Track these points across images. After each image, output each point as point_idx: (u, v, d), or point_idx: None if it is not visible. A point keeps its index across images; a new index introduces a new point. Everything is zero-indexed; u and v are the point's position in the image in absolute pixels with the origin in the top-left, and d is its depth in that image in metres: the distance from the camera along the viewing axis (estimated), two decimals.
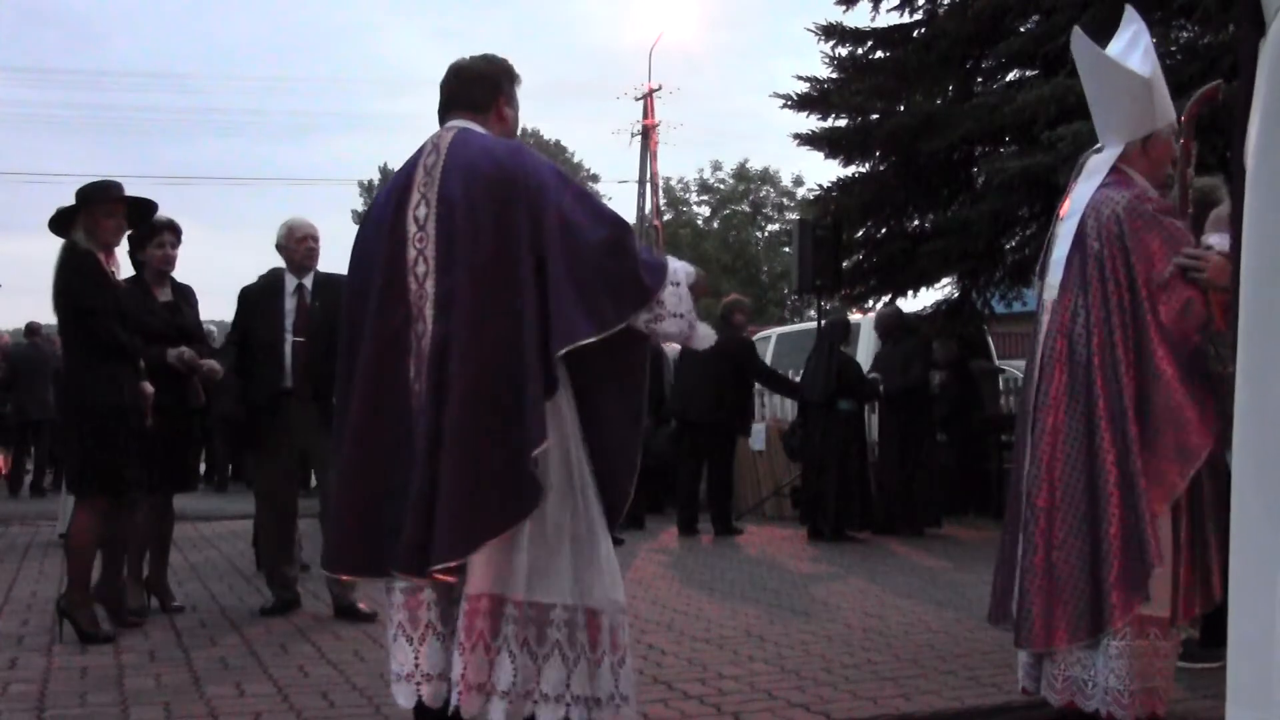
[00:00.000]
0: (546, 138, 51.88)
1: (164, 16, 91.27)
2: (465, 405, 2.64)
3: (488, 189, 2.74)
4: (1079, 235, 3.19)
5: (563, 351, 2.66)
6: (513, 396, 2.65)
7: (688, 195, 35.90)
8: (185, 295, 5.32)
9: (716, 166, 35.77)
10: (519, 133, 3.17)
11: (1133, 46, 3.27)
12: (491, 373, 2.67)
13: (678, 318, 2.78)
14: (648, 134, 27.60)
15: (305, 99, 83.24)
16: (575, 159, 52.20)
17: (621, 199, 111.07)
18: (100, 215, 4.55)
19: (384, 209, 2.89)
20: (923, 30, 10.86)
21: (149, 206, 4.85)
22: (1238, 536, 1.77)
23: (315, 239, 5.29)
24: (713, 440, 8.84)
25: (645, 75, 30.52)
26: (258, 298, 5.29)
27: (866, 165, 11.19)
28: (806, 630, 4.80)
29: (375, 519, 2.76)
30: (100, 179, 4.71)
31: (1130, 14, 3.32)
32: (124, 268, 5.14)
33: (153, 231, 5.14)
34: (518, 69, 3.09)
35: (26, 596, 5.51)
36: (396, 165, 3.00)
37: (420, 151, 2.91)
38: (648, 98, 27.91)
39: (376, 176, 50.74)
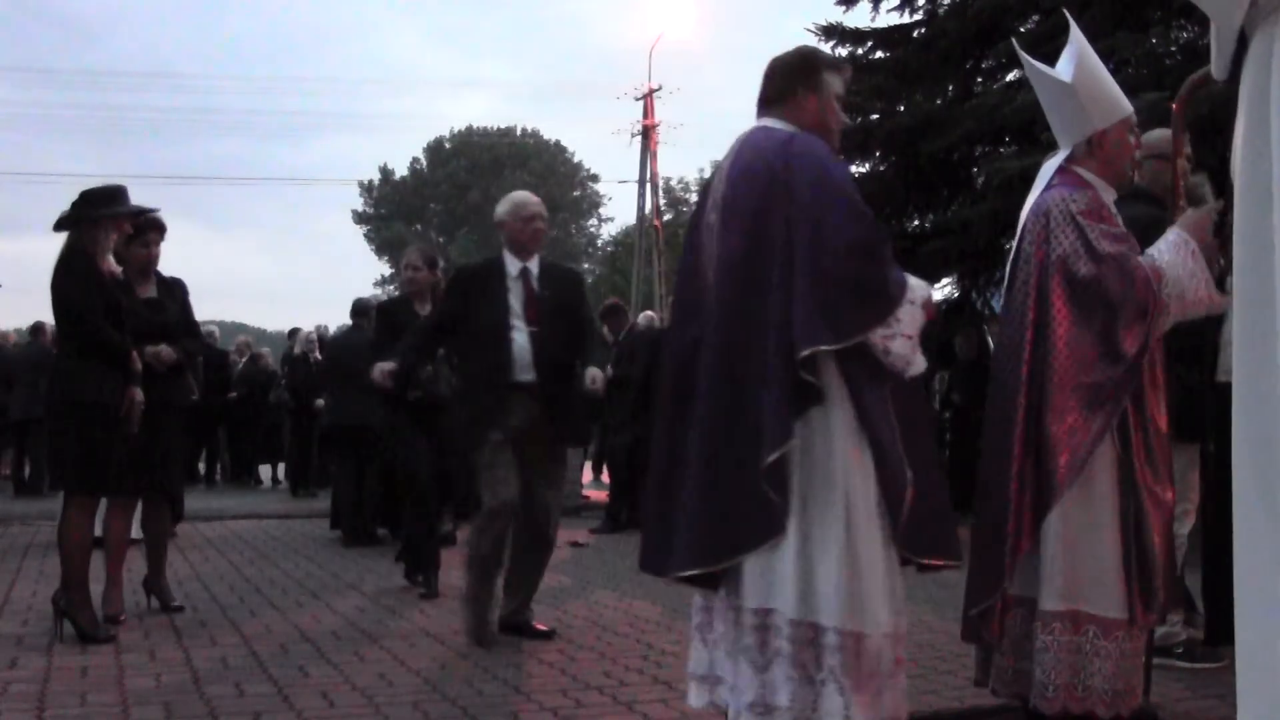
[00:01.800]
0: (546, 138, 52.04)
1: (164, 16, 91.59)
2: (706, 413, 2.66)
3: (751, 189, 2.72)
4: (1019, 240, 3.27)
5: (802, 356, 2.53)
6: (755, 406, 2.59)
7: (688, 195, 35.88)
8: (171, 289, 5.21)
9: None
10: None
11: (1068, 53, 3.31)
12: (733, 379, 2.65)
13: (907, 339, 2.62)
14: (648, 134, 27.57)
15: (305, 99, 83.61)
16: (575, 159, 52.34)
17: (621, 199, 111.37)
18: (112, 222, 4.61)
19: (695, 212, 2.96)
20: (923, 30, 10.87)
21: (146, 214, 4.93)
22: (1240, 544, 1.77)
23: (544, 219, 4.77)
24: None
25: (645, 75, 30.61)
26: (475, 280, 4.73)
27: (866, 165, 11.20)
28: None
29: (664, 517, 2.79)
30: (107, 184, 4.71)
31: (1071, 23, 3.33)
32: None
33: (140, 229, 5.05)
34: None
35: (27, 596, 5.51)
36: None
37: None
38: (648, 98, 27.88)
39: (377, 177, 51.03)
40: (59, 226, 4.60)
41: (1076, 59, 3.24)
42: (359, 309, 8.50)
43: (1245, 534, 1.75)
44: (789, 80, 2.91)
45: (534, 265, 4.67)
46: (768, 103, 2.92)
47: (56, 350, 4.86)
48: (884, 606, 2.59)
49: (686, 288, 2.87)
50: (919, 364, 2.68)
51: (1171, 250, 3.09)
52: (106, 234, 4.60)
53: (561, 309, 4.64)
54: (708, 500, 2.63)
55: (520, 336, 4.52)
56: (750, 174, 2.73)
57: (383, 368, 4.86)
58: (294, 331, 13.01)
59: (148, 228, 5.11)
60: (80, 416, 4.46)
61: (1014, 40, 3.45)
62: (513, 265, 4.65)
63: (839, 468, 2.59)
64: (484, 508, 4.52)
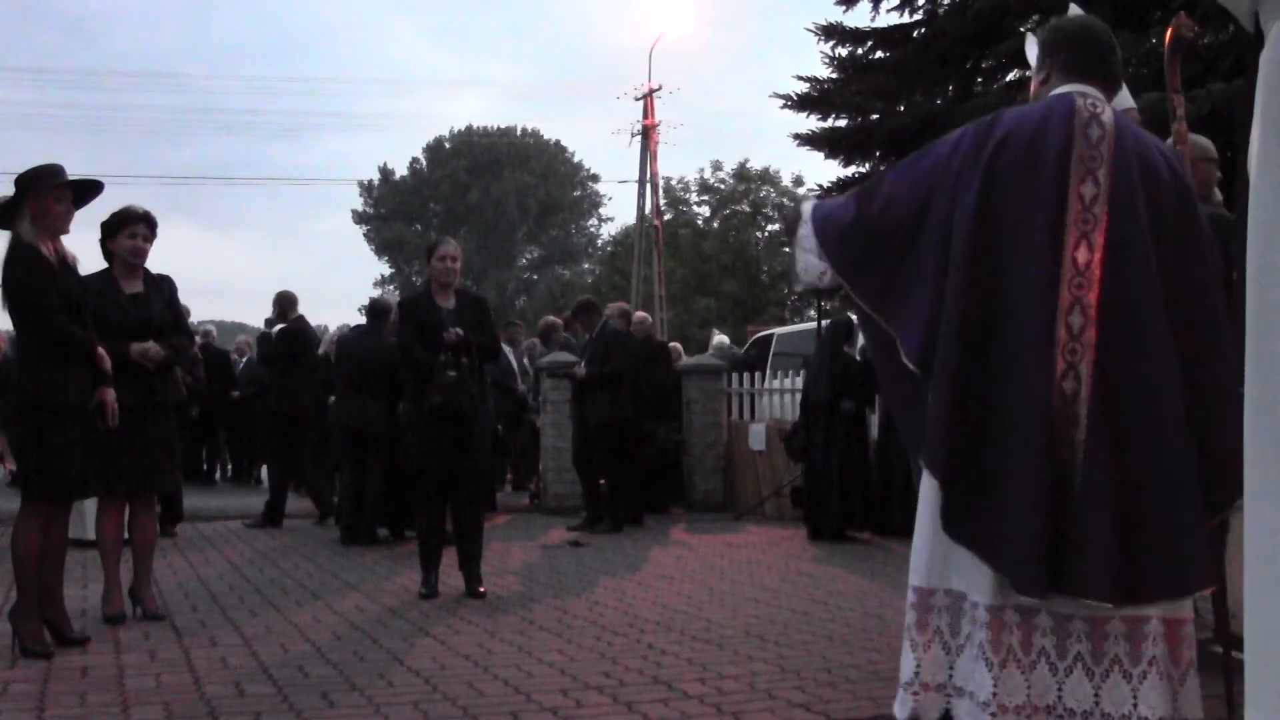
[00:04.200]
0: (546, 138, 52.04)
1: (163, 16, 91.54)
2: (1157, 427, 2.48)
3: (1172, 193, 2.57)
4: None
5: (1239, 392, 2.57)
6: (1210, 423, 2.52)
7: (688, 195, 35.91)
8: (158, 286, 5.05)
9: (717, 166, 35.74)
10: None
11: None
12: (1179, 393, 2.50)
13: None
14: (648, 134, 27.56)
15: (305, 99, 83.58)
16: (575, 159, 52.34)
17: (621, 199, 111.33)
18: (49, 201, 4.30)
19: (1029, 171, 2.59)
20: (923, 30, 10.89)
21: (93, 187, 4.54)
22: (1251, 538, 1.78)
23: None
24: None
25: (645, 75, 30.63)
26: None
27: (866, 165, 11.24)
28: (806, 630, 4.80)
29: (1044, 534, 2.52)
30: (44, 165, 4.38)
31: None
32: (95, 258, 4.92)
33: (125, 221, 4.91)
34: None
35: None
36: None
37: (1068, 115, 2.62)
38: (648, 98, 27.88)
39: (377, 177, 51.04)
40: None
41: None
42: (377, 310, 8.37)
43: (1257, 528, 1.76)
44: (1120, 68, 2.77)
45: None
46: (1102, 78, 2.72)
47: (15, 351, 4.53)
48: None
49: (1043, 252, 2.55)
50: None
51: None
52: (52, 213, 4.29)
53: None
54: (1181, 526, 2.49)
55: None
56: (1162, 177, 2.59)
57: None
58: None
59: (134, 219, 4.94)
60: (42, 421, 4.20)
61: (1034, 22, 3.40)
62: None
63: None
64: None
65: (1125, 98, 3.23)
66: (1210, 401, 2.53)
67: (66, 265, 4.40)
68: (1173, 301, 2.52)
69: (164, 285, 5.11)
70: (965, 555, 2.57)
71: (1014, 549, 2.51)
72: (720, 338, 12.47)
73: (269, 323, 9.74)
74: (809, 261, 2.88)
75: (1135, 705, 2.45)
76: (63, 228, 4.40)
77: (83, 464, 4.32)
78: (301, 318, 9.39)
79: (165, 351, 4.90)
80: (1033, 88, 2.91)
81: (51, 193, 4.32)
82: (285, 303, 9.43)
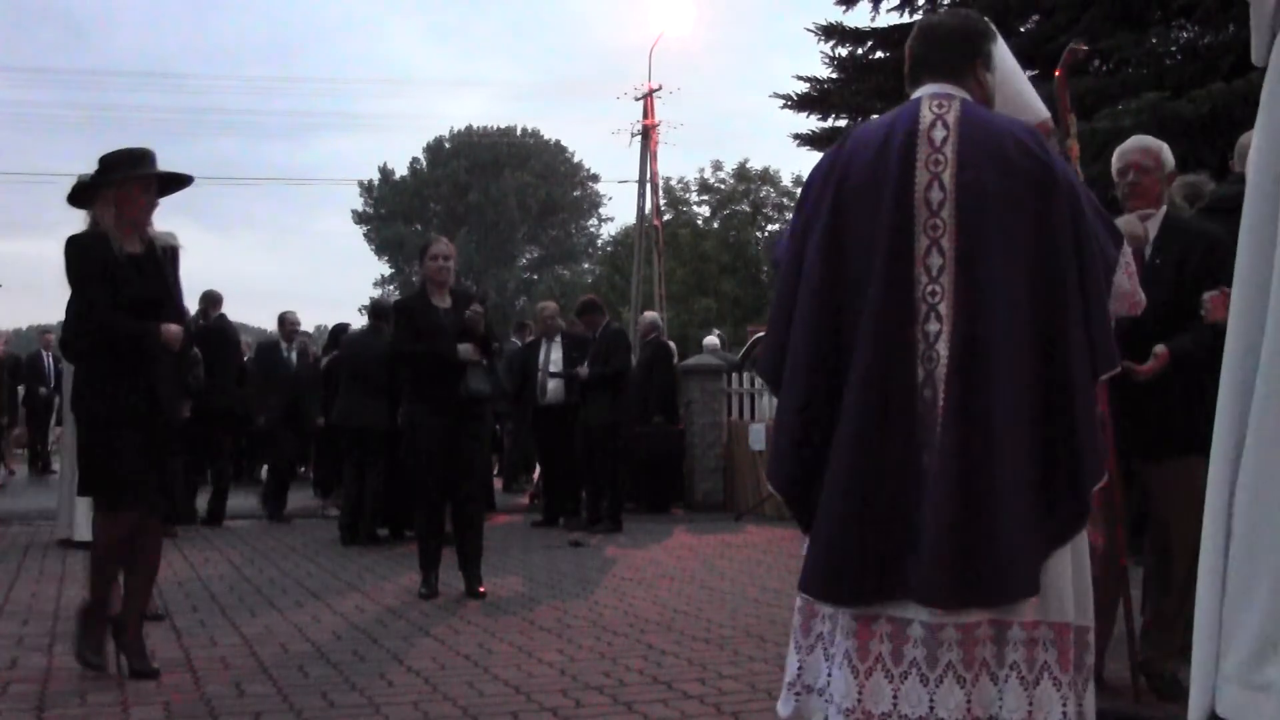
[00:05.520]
0: (546, 138, 52.02)
1: (164, 16, 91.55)
2: (1006, 427, 2.39)
3: (1026, 181, 2.44)
4: None
5: (1104, 378, 2.50)
6: (1062, 420, 2.42)
7: (688, 195, 35.90)
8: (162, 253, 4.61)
9: (717, 166, 35.75)
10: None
11: None
12: (1034, 391, 2.41)
13: None
14: (648, 134, 27.52)
15: (305, 99, 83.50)
16: (575, 159, 52.32)
17: (621, 199, 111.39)
18: (135, 190, 4.04)
19: (874, 185, 2.51)
20: None
21: (179, 180, 4.31)
22: (1209, 521, 1.85)
23: None
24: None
25: (645, 75, 30.60)
26: None
27: None
28: None
29: (865, 540, 2.50)
30: (132, 149, 4.15)
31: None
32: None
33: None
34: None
35: (26, 597, 5.51)
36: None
37: (912, 119, 2.54)
38: (648, 98, 27.84)
39: (377, 177, 51.01)
40: (72, 200, 4.13)
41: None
42: (379, 311, 8.39)
43: (1210, 524, 1.83)
44: (968, 51, 2.66)
45: None
46: (938, 72, 2.63)
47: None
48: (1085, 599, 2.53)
49: (891, 262, 2.47)
50: None
51: None
52: (137, 203, 4.03)
53: None
54: (1020, 528, 2.39)
55: None
56: (1016, 164, 2.45)
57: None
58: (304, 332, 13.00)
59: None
60: (85, 422, 3.99)
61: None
62: None
63: None
64: None
65: (1035, 108, 3.13)
66: (1062, 399, 2.44)
67: (148, 258, 4.09)
68: (1035, 292, 2.45)
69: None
70: None
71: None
72: (711, 338, 12.40)
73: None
74: None
75: (932, 708, 2.37)
76: (144, 219, 4.10)
77: (132, 468, 3.96)
78: (223, 316, 9.45)
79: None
80: None
81: (138, 182, 4.06)
82: (209, 301, 9.44)
